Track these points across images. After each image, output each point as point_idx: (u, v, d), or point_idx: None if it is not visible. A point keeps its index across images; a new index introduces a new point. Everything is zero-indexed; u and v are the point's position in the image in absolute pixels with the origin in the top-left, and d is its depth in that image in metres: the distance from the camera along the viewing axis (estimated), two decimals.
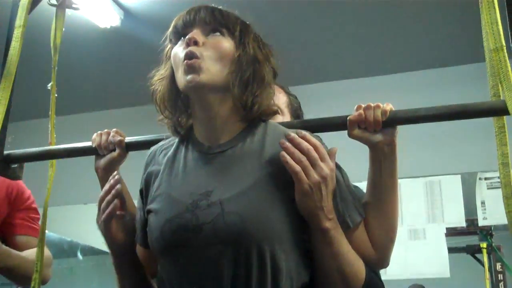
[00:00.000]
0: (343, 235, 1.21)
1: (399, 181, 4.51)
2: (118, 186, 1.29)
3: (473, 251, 5.47)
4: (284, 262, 1.14)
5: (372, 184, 1.33)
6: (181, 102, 1.31)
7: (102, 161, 1.45)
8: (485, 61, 1.29)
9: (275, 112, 1.32)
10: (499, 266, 5.32)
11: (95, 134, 1.49)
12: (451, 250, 4.60)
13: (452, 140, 4.31)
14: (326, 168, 1.16)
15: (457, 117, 1.29)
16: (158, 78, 1.32)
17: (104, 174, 1.45)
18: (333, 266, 1.19)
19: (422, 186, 4.41)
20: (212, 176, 1.22)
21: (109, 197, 1.29)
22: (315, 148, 1.17)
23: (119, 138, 1.43)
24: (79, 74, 4.50)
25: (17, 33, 1.46)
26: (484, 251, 5.06)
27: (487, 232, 5.05)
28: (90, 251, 7.47)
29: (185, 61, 1.20)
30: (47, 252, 1.99)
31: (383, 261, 1.34)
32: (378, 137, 1.28)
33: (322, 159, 1.16)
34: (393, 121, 1.28)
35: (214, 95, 1.23)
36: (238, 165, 1.22)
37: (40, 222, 1.57)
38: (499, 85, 1.19)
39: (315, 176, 1.14)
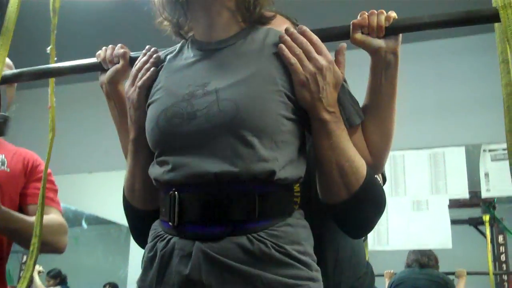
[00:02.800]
0: (345, 131, 1.23)
1: (402, 152, 4.49)
2: (157, 54, 1.33)
3: (476, 223, 5.50)
4: (275, 153, 1.15)
5: (371, 91, 1.33)
6: (179, 4, 1.29)
7: (106, 75, 1.45)
8: (493, 31, 1.28)
9: (274, 16, 1.34)
10: (501, 238, 5.36)
11: (100, 50, 1.49)
12: (454, 221, 4.62)
13: (456, 112, 4.30)
14: (322, 60, 1.19)
15: (460, 23, 1.27)
16: None
17: (109, 87, 1.45)
18: (331, 158, 1.20)
19: (426, 157, 4.40)
20: (210, 70, 1.23)
21: (148, 64, 1.31)
22: (311, 41, 1.21)
23: (123, 50, 1.44)
24: (83, 43, 4.48)
25: None
26: (487, 223, 5.08)
27: (490, 204, 5.07)
28: (94, 221, 7.55)
29: None
30: (61, 219, 2.03)
31: (378, 167, 1.36)
32: (381, 43, 1.27)
33: (319, 52, 1.20)
34: (396, 27, 1.27)
35: None
36: (238, 59, 1.23)
37: (41, 187, 1.58)
38: (507, 46, 1.18)
39: (310, 67, 1.18)
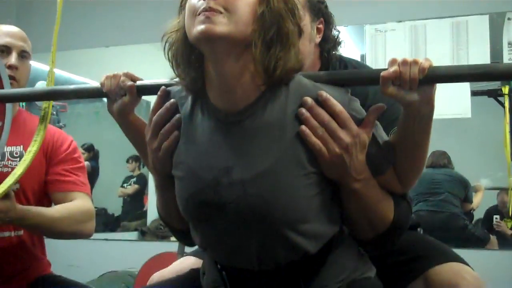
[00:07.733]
0: (375, 186, 1.23)
1: (424, 22, 4.38)
2: (178, 115, 1.27)
3: (496, 94, 5.47)
4: (310, 231, 1.18)
5: (403, 138, 1.26)
6: (194, 58, 1.21)
7: (115, 107, 1.41)
8: None
9: (299, 70, 1.23)
10: None
11: (103, 78, 1.43)
12: (473, 92, 4.60)
13: None
14: (347, 136, 1.15)
15: (502, 77, 1.21)
16: (171, 30, 1.23)
17: (118, 118, 1.43)
18: (360, 215, 1.24)
19: (449, 26, 4.29)
20: (230, 150, 1.19)
21: (168, 125, 1.27)
22: (335, 115, 1.16)
23: (129, 84, 1.37)
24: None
25: None
26: (506, 94, 5.05)
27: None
28: None
29: (202, 13, 1.10)
30: (86, 205, 2.00)
31: (407, 189, 1.34)
32: (414, 96, 1.17)
33: (343, 125, 1.15)
34: (431, 79, 1.17)
35: (228, 51, 1.14)
36: (258, 139, 1.18)
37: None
38: None
39: (336, 149, 1.15)
